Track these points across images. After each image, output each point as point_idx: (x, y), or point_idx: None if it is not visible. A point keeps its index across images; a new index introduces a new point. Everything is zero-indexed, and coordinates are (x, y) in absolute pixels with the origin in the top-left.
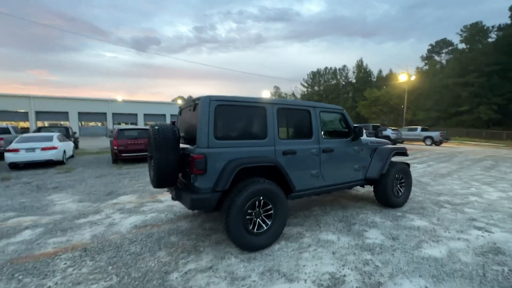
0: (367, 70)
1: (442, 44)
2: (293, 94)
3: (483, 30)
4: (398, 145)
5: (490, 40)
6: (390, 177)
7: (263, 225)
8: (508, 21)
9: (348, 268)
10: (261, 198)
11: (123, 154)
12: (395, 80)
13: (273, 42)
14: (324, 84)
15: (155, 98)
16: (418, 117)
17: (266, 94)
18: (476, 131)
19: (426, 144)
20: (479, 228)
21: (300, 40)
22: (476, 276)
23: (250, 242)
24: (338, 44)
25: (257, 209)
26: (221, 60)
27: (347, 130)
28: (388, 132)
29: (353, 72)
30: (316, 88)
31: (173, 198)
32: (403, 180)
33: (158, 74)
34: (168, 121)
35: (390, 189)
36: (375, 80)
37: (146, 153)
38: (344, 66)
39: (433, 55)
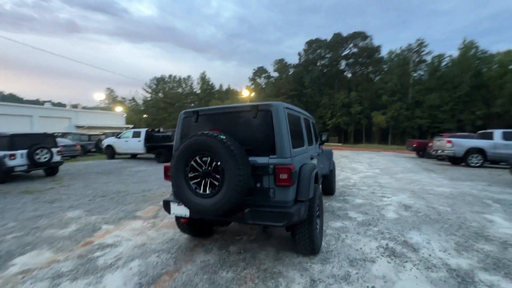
0: (210, 83)
1: (262, 71)
2: (133, 99)
3: (286, 65)
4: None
5: (290, 73)
6: (333, 172)
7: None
8: (297, 62)
9: None
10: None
11: None
12: (235, 94)
13: (94, 35)
14: (169, 92)
15: None
16: None
17: (99, 97)
18: None
19: None
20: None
21: (131, 40)
22: None
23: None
24: (172, 53)
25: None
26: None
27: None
28: None
29: (198, 83)
30: (160, 94)
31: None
32: None
33: None
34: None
35: (333, 180)
36: (218, 93)
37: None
38: (189, 76)
39: (256, 77)
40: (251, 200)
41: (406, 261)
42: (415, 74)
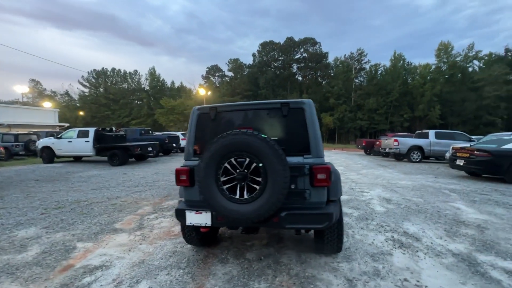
0: (161, 79)
1: (216, 69)
2: (67, 93)
3: (241, 65)
4: None
5: (245, 73)
6: None
7: None
8: (251, 62)
9: None
10: None
11: None
12: (188, 92)
13: (13, 17)
14: (112, 87)
15: None
16: None
17: (21, 89)
18: None
19: None
20: None
21: (59, 26)
22: None
23: None
24: (113, 45)
25: None
26: None
27: None
28: None
29: (146, 79)
30: (101, 89)
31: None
32: None
33: None
34: None
35: None
36: (169, 90)
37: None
38: (136, 71)
39: (210, 76)
40: (285, 203)
41: (417, 251)
42: (356, 80)
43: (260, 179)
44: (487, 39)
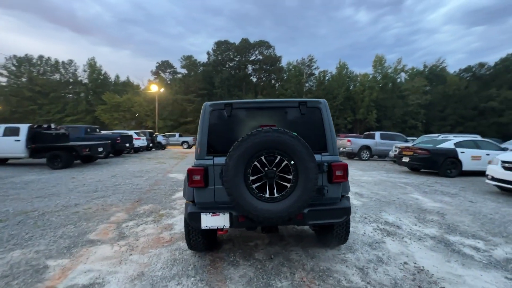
0: (102, 72)
1: (167, 65)
2: None
3: (195, 63)
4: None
5: (199, 71)
6: None
7: None
8: (205, 60)
9: None
10: None
11: None
12: (136, 88)
13: None
14: (40, 78)
15: None
16: (159, 125)
17: None
18: None
19: (184, 147)
20: None
21: None
22: None
23: None
24: (40, 29)
25: None
26: None
27: None
28: (160, 138)
29: (85, 71)
30: (24, 79)
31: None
32: None
33: None
34: None
35: None
36: (113, 84)
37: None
38: (71, 61)
39: (160, 72)
40: None
41: (403, 237)
42: (307, 85)
43: (290, 177)
44: (409, 55)
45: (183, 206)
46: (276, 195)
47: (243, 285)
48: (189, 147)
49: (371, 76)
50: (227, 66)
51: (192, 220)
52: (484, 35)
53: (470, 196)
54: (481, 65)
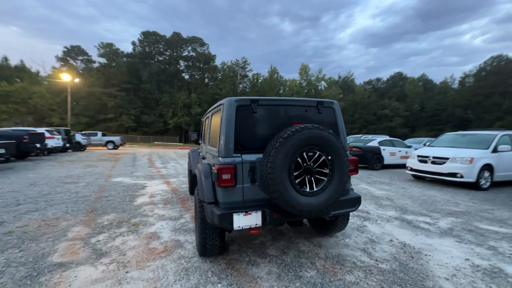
0: None
1: (79, 51)
2: None
3: (117, 52)
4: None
5: (124, 61)
6: None
7: None
8: (130, 51)
9: None
10: None
11: None
12: (34, 75)
13: None
14: None
15: None
16: (71, 121)
17: None
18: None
19: (108, 148)
20: None
21: None
22: None
23: None
24: None
25: None
26: None
27: None
28: (79, 137)
29: None
30: None
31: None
32: None
33: None
34: None
35: None
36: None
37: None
38: None
39: (69, 59)
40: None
41: (376, 220)
42: (241, 86)
43: (327, 171)
44: (324, 66)
45: (157, 212)
46: (315, 188)
47: (275, 281)
48: (115, 147)
49: (298, 82)
50: (156, 59)
51: (224, 222)
52: (377, 55)
53: (400, 184)
54: (378, 79)
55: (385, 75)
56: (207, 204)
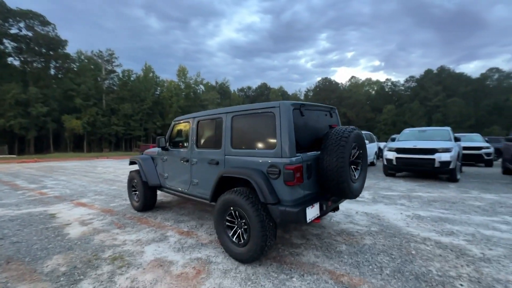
0: None
1: None
2: None
3: None
4: None
5: None
6: None
7: None
8: None
9: None
10: None
11: None
12: None
13: None
14: None
15: None
16: None
17: None
18: None
19: None
20: None
21: None
22: None
23: None
24: None
25: None
26: None
27: None
28: None
29: None
30: None
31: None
32: None
33: None
34: None
35: None
36: None
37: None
38: None
39: None
40: None
41: (364, 201)
42: (107, 82)
43: (360, 161)
44: (196, 70)
45: (126, 238)
46: (356, 176)
47: (330, 259)
48: None
49: (177, 83)
50: None
51: (300, 217)
52: (242, 65)
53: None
54: (249, 87)
55: (251, 84)
56: (271, 205)
